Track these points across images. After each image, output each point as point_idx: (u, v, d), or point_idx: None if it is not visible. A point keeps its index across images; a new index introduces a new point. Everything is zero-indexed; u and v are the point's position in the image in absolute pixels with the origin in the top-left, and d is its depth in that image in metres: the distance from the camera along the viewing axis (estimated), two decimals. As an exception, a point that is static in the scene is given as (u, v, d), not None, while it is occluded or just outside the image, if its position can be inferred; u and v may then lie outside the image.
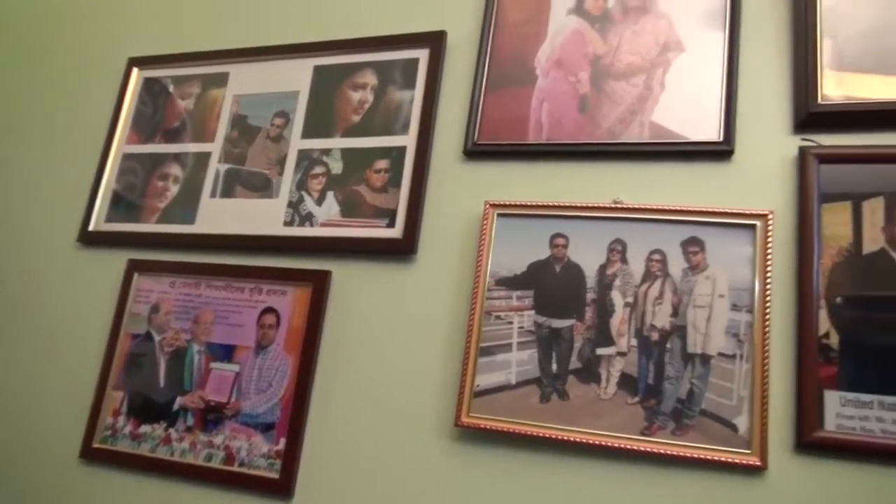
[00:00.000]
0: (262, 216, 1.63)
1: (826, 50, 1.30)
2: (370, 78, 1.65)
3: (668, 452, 1.19)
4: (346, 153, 1.60)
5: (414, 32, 1.63)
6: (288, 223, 1.60)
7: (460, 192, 1.49)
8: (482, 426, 1.30)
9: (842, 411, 1.14)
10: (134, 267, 1.69)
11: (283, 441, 1.43)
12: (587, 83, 1.45)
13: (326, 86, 1.68)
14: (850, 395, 1.14)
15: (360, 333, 1.47)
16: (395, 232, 1.49)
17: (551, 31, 1.52)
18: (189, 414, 1.53)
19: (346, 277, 1.52)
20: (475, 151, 1.49)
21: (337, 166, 1.60)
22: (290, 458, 1.41)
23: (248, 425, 1.47)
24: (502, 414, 1.30)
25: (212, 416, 1.51)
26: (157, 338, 1.62)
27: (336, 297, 1.51)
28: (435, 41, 1.60)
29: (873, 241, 1.19)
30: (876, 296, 1.17)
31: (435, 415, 1.36)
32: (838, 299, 1.18)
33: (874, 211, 1.21)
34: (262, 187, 1.66)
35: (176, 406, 1.55)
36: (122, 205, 1.79)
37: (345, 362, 1.46)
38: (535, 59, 1.51)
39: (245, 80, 1.78)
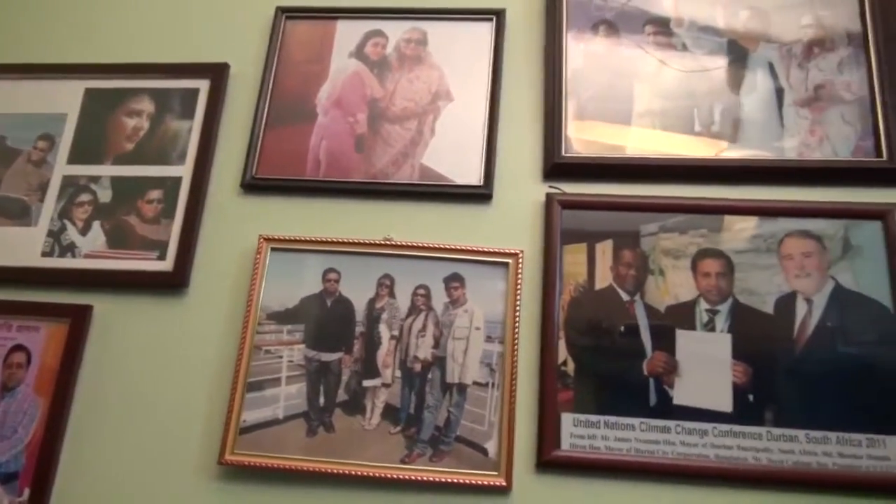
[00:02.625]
0: (18, 246, 1.50)
1: (571, 108, 1.47)
2: (147, 105, 1.59)
3: (426, 479, 1.25)
4: (117, 181, 1.53)
5: (195, 62, 1.61)
6: (47, 254, 1.49)
7: (236, 225, 1.47)
8: (247, 463, 1.28)
9: (575, 431, 1.26)
10: None
11: (27, 492, 1.31)
12: (364, 124, 1.51)
13: (98, 110, 1.60)
14: (582, 417, 1.27)
15: (122, 372, 1.40)
16: (166, 265, 1.44)
17: (333, 72, 1.57)
18: (-87, 468, 1.35)
19: (110, 312, 1.43)
20: (253, 185, 1.49)
21: (106, 195, 1.52)
22: (34, 511, 1.29)
23: (-14, 477, 1.33)
24: (269, 450, 1.29)
25: (-59, 470, 1.34)
26: None
27: (97, 333, 1.42)
28: (217, 73, 1.59)
29: (603, 278, 1.35)
30: (603, 327, 1.32)
31: (199, 454, 1.32)
32: (573, 330, 1.32)
33: (604, 252, 1.37)
34: (19, 214, 1.53)
35: None
36: None
37: (104, 403, 1.38)
38: (316, 97, 1.55)
39: (5, 98, 1.64)
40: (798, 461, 1.21)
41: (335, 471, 1.26)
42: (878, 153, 1.36)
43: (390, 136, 1.50)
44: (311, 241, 1.42)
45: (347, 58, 1.58)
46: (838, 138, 1.39)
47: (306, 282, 1.40)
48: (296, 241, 1.42)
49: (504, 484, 1.24)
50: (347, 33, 1.61)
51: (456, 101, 1.51)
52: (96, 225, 1.50)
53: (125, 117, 1.59)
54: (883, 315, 1.27)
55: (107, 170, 1.54)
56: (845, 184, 1.37)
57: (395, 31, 1.59)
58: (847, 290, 1.29)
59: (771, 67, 1.45)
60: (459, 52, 1.55)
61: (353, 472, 1.26)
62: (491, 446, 1.27)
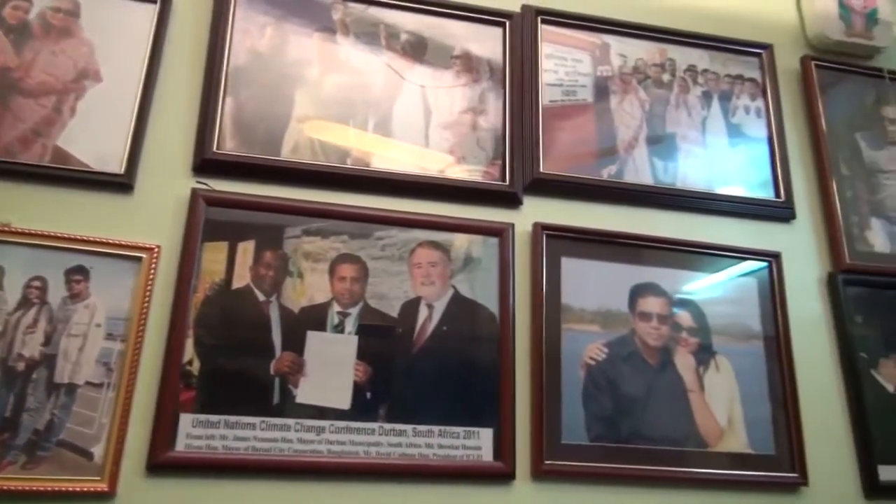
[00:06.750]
0: None
1: (228, 105, 1.45)
2: None
3: (15, 488, 1.15)
4: None
5: None
6: None
7: None
8: None
9: (192, 432, 1.24)
10: None
11: None
12: (-10, 95, 1.35)
13: None
14: (202, 417, 1.25)
15: None
16: None
17: (-43, 32, 1.39)
18: None
19: None
20: None
21: None
22: None
23: None
24: None
25: None
26: None
27: None
28: None
29: (241, 278, 1.35)
30: (235, 326, 1.31)
31: None
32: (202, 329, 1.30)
33: (246, 251, 1.37)
34: None
35: None
36: None
37: None
38: (-68, 57, 1.35)
39: None
40: (404, 453, 1.31)
41: None
42: (503, 178, 1.54)
43: (22, 110, 1.36)
44: None
45: (-22, 18, 1.41)
46: (472, 161, 1.54)
47: None
48: None
49: (107, 489, 1.18)
50: (-18, -10, 1.43)
51: (105, 83, 1.42)
52: None
53: None
54: (489, 321, 1.43)
55: None
56: (474, 202, 1.52)
57: (43, -4, 1.45)
58: (464, 298, 1.44)
59: (422, 90, 1.57)
60: (116, 32, 1.46)
61: (-77, 485, 1.11)
62: (98, 450, 1.20)
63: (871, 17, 1.88)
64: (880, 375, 1.58)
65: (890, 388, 1.58)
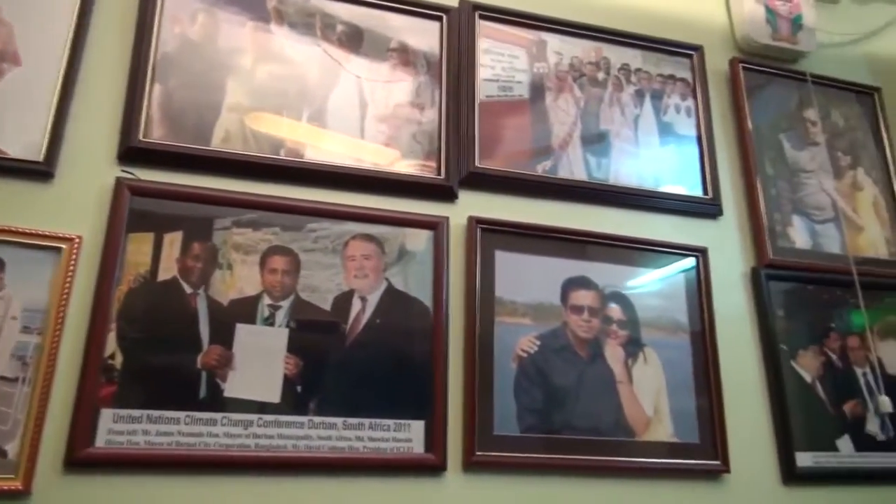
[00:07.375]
0: None
1: (156, 93, 1.41)
2: None
3: (-80, 488, 1.09)
4: None
5: None
6: None
7: None
8: None
9: (114, 427, 1.21)
10: None
11: None
12: None
13: None
14: (124, 412, 1.22)
15: None
16: None
17: None
18: None
19: None
20: None
21: None
22: None
23: None
24: None
25: None
26: None
27: None
28: None
29: (168, 270, 1.32)
30: (160, 320, 1.28)
31: None
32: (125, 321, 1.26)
33: (173, 243, 1.34)
34: None
35: None
36: None
37: None
38: None
39: None
40: (334, 447, 1.30)
41: None
42: (439, 172, 1.54)
43: (-67, 94, 1.30)
44: None
45: None
46: (408, 154, 1.54)
47: None
48: None
49: (21, 488, 1.14)
50: None
51: (24, 67, 1.37)
52: None
53: None
54: (423, 314, 1.43)
55: None
56: (410, 196, 1.52)
57: (-44, -26, 1.38)
58: (397, 291, 1.44)
59: (358, 81, 1.56)
60: (37, 13, 1.41)
61: None
62: (12, 447, 1.16)
63: (796, 23, 1.95)
64: (799, 366, 1.64)
65: (808, 378, 1.64)
